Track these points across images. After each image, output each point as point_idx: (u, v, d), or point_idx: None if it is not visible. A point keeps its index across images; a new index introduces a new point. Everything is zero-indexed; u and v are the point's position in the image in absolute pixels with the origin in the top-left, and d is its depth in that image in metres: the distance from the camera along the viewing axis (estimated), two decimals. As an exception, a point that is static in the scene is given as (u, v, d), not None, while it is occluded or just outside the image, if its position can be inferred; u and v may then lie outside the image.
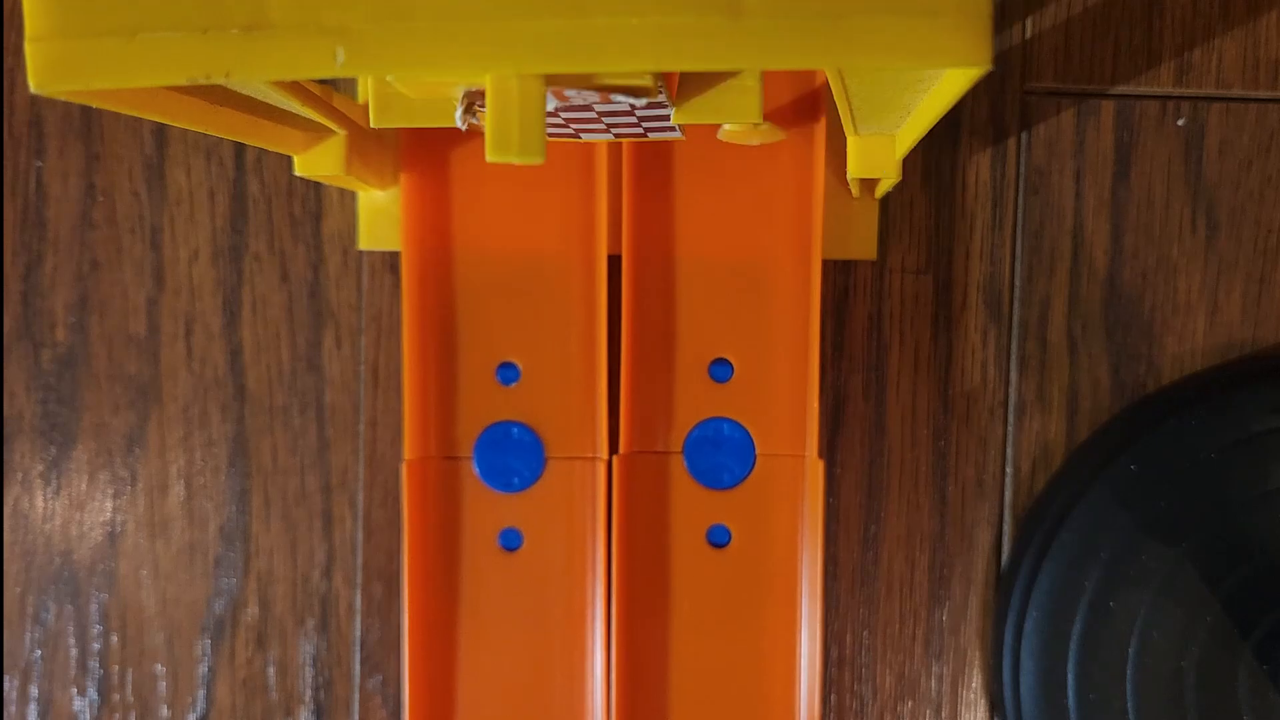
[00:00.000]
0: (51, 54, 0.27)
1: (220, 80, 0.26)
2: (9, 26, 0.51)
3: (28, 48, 0.27)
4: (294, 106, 0.36)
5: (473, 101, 0.33)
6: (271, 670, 0.51)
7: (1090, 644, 0.49)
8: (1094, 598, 0.49)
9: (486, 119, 0.28)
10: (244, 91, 0.35)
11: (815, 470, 0.48)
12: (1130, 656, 0.49)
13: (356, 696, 0.51)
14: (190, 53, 0.26)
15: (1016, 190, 0.50)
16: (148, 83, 0.26)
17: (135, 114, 0.31)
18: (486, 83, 0.28)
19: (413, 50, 0.26)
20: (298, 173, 0.43)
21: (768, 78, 0.37)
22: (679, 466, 0.49)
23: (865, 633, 0.51)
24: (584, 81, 0.31)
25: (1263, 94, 0.50)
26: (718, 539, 0.49)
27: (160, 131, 0.51)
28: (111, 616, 0.51)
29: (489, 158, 0.28)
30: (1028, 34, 0.50)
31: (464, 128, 0.33)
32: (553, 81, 0.30)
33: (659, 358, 0.49)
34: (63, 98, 0.28)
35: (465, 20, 0.26)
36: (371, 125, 0.36)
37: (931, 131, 0.50)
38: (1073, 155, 0.50)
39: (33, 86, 0.27)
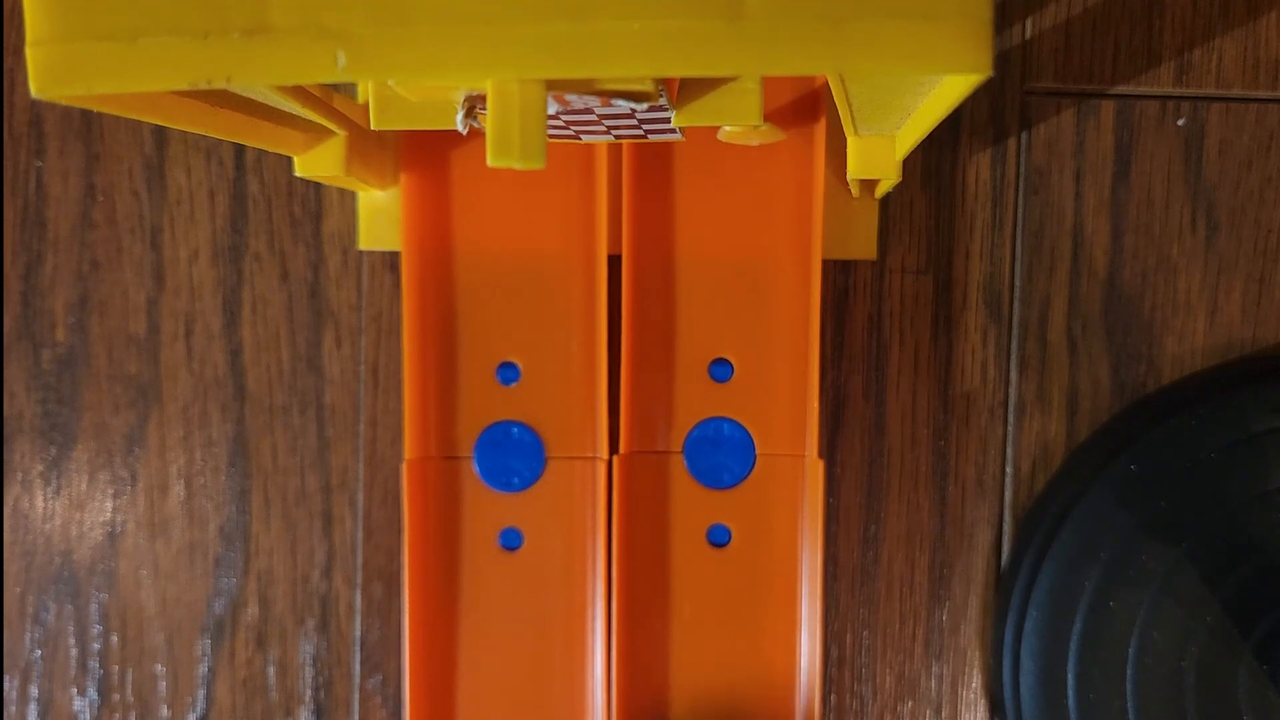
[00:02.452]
0: (52, 58, 0.27)
1: (221, 85, 0.26)
2: (9, 26, 0.51)
3: (28, 52, 0.27)
4: (294, 108, 0.36)
5: (474, 105, 0.33)
6: (271, 670, 0.51)
7: (1090, 644, 0.49)
8: (1094, 598, 0.49)
9: (487, 123, 0.28)
10: (244, 94, 0.35)
11: (815, 470, 0.48)
12: (1130, 656, 0.49)
13: (356, 696, 0.51)
14: (191, 57, 0.26)
15: (1016, 190, 0.50)
16: (149, 87, 0.26)
17: (135, 117, 0.31)
18: (488, 87, 0.28)
19: (414, 55, 0.26)
20: (298, 173, 0.43)
21: (768, 79, 0.37)
22: (679, 466, 0.49)
23: (865, 633, 0.51)
24: (585, 86, 0.31)
25: (1263, 94, 0.50)
26: (718, 538, 0.49)
27: (160, 131, 0.51)
28: (111, 616, 0.51)
29: (490, 162, 0.28)
30: (1028, 34, 0.50)
31: (465, 131, 0.33)
32: (554, 86, 0.30)
33: (659, 358, 0.49)
34: (64, 102, 0.28)
35: (466, 24, 0.26)
36: (371, 127, 0.36)
37: (931, 132, 0.50)
38: (1073, 155, 0.50)
39: (34, 91, 0.27)
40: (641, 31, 0.26)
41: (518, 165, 0.28)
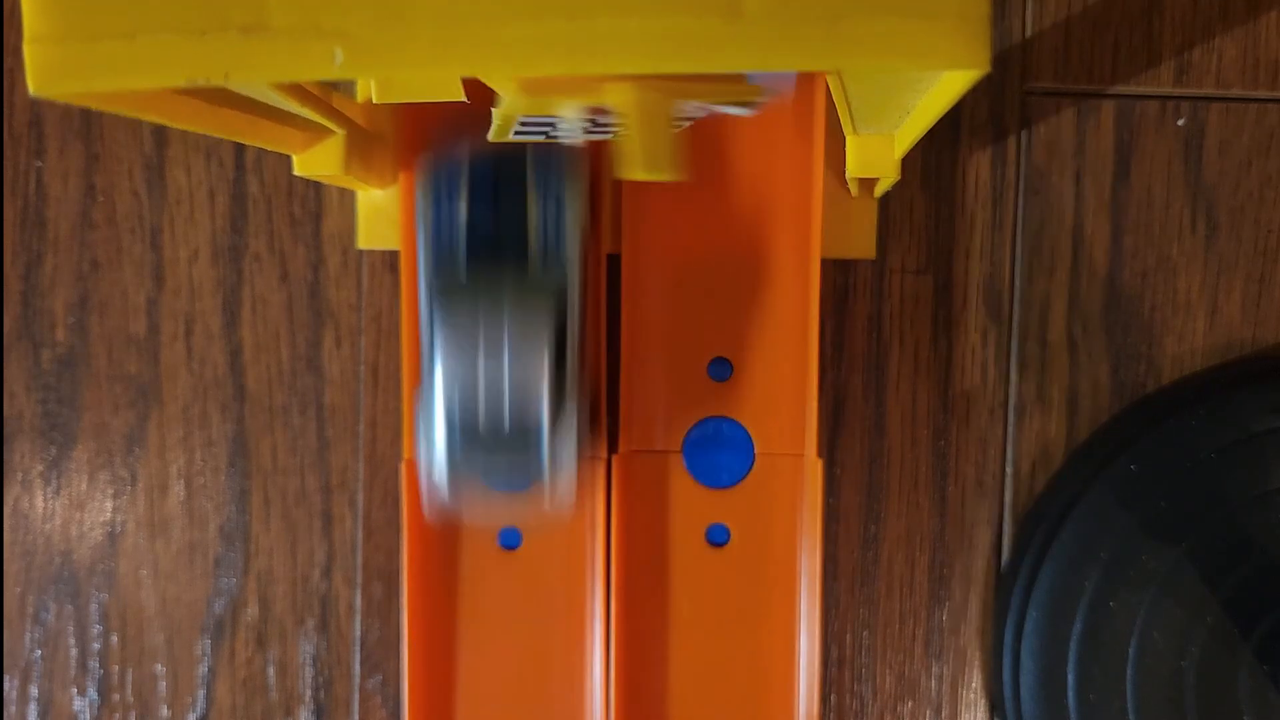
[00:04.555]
0: (51, 56, 0.27)
1: (219, 82, 0.26)
2: (9, 26, 0.51)
3: (26, 50, 0.27)
4: (293, 107, 0.36)
5: (594, 118, 0.32)
6: (271, 670, 0.51)
7: (1090, 644, 0.49)
8: (1094, 598, 0.49)
9: (629, 138, 0.28)
10: (243, 92, 0.35)
11: (814, 469, 0.48)
12: (1130, 656, 0.49)
13: (356, 696, 0.51)
14: (189, 55, 0.26)
15: (1016, 190, 0.50)
16: (147, 85, 0.26)
17: (134, 115, 0.31)
18: (624, 101, 0.27)
19: (411, 52, 0.26)
20: (297, 172, 0.43)
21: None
22: (678, 465, 0.49)
23: (865, 633, 0.51)
24: (699, 93, 0.31)
25: (1262, 94, 0.50)
26: (717, 538, 0.49)
27: (160, 131, 0.51)
28: (111, 616, 0.51)
29: (639, 177, 0.28)
30: (1028, 34, 0.50)
31: (581, 143, 0.33)
32: (673, 92, 0.30)
33: (658, 357, 0.49)
34: (62, 100, 0.28)
35: (462, 22, 0.26)
36: (375, 100, 0.36)
37: (931, 131, 0.50)
38: (1073, 155, 0.50)
39: (32, 89, 0.27)
40: (639, 30, 0.26)
41: (665, 179, 0.28)
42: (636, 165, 0.28)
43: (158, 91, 0.31)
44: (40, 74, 0.27)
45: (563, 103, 0.31)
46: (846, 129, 0.42)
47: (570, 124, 0.32)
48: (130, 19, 0.26)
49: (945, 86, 0.32)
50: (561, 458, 0.42)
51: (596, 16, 0.26)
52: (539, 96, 0.30)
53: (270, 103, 0.36)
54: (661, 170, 0.28)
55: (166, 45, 0.26)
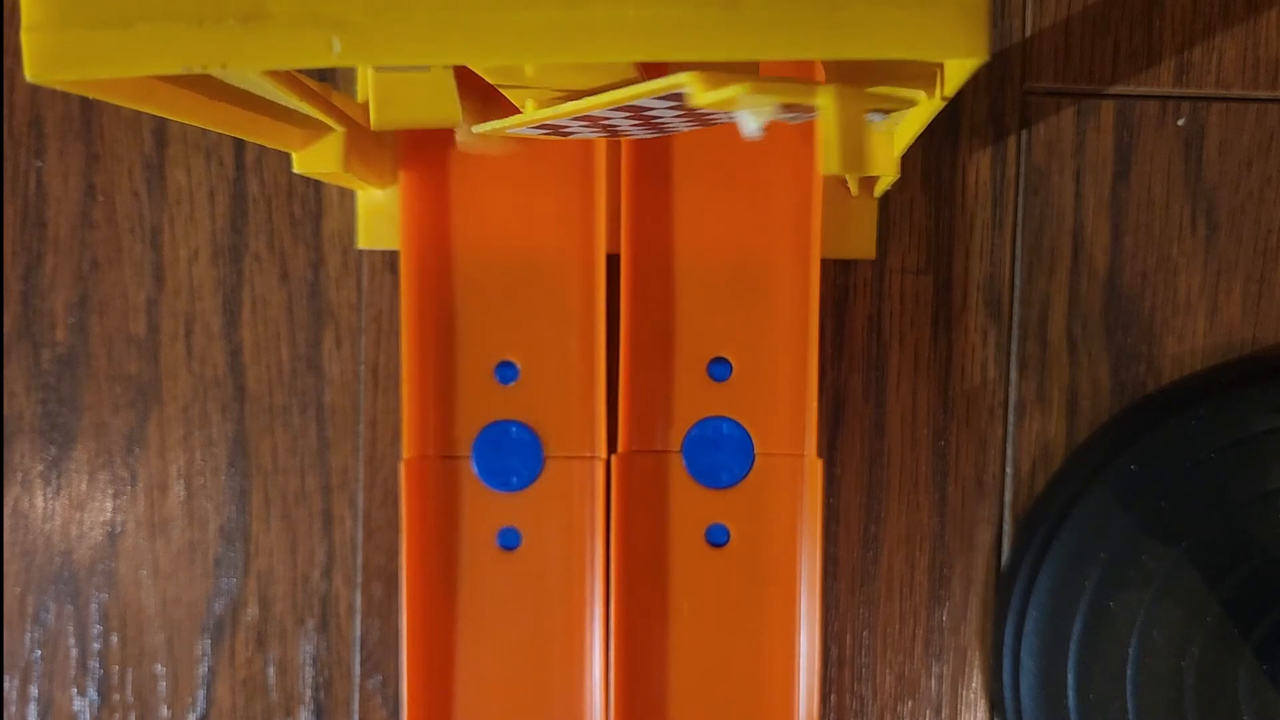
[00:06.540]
0: (48, 43, 0.27)
1: (216, 71, 0.26)
2: (9, 26, 0.51)
3: (24, 37, 0.27)
4: (292, 102, 0.36)
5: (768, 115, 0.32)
6: (271, 670, 0.51)
7: (1090, 644, 0.49)
8: (1094, 598, 0.49)
9: (824, 135, 0.28)
10: (242, 86, 0.35)
11: (814, 469, 0.48)
12: (1130, 656, 0.49)
13: (356, 696, 0.51)
14: (186, 43, 0.26)
15: (1016, 190, 0.50)
16: (144, 72, 0.26)
17: (133, 106, 0.31)
18: (826, 104, 0.28)
19: (408, 41, 0.26)
20: (296, 170, 0.43)
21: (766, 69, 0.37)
22: (678, 465, 0.49)
23: (865, 633, 0.51)
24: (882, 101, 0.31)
25: (1263, 94, 0.50)
26: (716, 538, 0.49)
27: (160, 131, 0.51)
28: (111, 616, 0.51)
29: (838, 172, 0.28)
30: (1028, 33, 0.50)
31: (758, 136, 0.32)
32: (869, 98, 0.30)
33: (658, 357, 0.49)
34: (59, 87, 0.28)
35: (460, 10, 0.26)
36: (371, 127, 0.36)
37: (931, 131, 0.50)
38: (1073, 155, 0.50)
39: (29, 76, 0.27)
40: (636, 18, 0.26)
41: (864, 174, 0.28)
42: (837, 162, 0.28)
43: (156, 82, 0.31)
44: (37, 61, 0.27)
45: (763, 101, 0.31)
46: (846, 126, 0.42)
47: (758, 118, 0.31)
48: (128, 6, 0.26)
49: (943, 78, 0.32)
50: None
51: (594, 5, 0.26)
52: (751, 95, 0.30)
53: (269, 97, 0.37)
54: (861, 167, 0.28)
55: (164, 33, 0.26)
